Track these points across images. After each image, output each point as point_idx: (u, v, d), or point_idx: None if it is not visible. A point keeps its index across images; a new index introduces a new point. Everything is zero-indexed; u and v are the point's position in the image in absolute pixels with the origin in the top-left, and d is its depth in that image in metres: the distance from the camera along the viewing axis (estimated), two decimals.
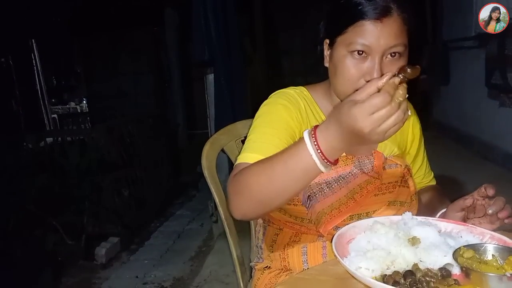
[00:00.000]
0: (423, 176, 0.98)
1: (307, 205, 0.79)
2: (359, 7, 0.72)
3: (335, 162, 0.65)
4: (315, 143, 0.63)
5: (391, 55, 0.73)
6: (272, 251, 0.89)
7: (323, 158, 0.63)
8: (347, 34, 0.74)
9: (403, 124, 0.60)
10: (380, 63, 0.73)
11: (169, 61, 4.59)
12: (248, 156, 0.76)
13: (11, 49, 4.00)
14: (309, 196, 0.79)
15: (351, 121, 0.59)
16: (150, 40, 5.19)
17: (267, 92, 0.87)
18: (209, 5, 2.27)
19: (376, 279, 0.59)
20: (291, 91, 0.85)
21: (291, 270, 0.86)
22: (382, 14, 0.71)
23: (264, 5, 4.79)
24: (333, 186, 0.79)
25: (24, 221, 2.15)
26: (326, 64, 0.82)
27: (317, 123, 0.81)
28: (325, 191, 0.78)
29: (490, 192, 0.74)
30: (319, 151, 0.63)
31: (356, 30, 0.72)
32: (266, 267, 0.90)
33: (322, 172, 0.65)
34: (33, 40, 4.45)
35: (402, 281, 0.58)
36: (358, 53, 0.73)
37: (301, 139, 0.65)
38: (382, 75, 0.72)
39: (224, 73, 2.33)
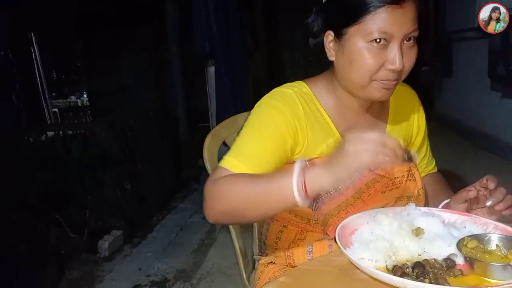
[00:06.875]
0: (426, 164, 0.99)
1: (313, 207, 0.78)
2: None
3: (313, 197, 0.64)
4: (303, 184, 0.61)
5: (407, 39, 0.71)
6: (276, 248, 0.88)
7: (306, 196, 0.62)
8: (364, 23, 0.70)
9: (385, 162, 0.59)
10: (400, 49, 0.71)
11: (170, 55, 4.56)
12: (232, 162, 0.73)
13: (10, 43, 3.98)
14: (315, 198, 0.77)
15: (341, 146, 0.59)
16: (150, 33, 5.15)
17: (268, 84, 0.86)
18: None
19: (380, 270, 0.59)
20: (289, 90, 0.80)
21: (296, 267, 0.85)
22: None
23: None
24: (339, 187, 0.76)
25: (27, 215, 2.15)
26: (332, 58, 0.78)
27: (318, 122, 0.80)
28: (331, 192, 0.77)
29: (491, 185, 0.73)
30: (304, 190, 0.61)
31: (375, 18, 0.69)
32: (270, 262, 0.90)
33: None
34: (32, 34, 4.43)
35: (410, 271, 0.58)
36: (376, 41, 0.70)
37: (289, 173, 0.62)
38: (403, 62, 0.71)
39: (224, 65, 2.32)
